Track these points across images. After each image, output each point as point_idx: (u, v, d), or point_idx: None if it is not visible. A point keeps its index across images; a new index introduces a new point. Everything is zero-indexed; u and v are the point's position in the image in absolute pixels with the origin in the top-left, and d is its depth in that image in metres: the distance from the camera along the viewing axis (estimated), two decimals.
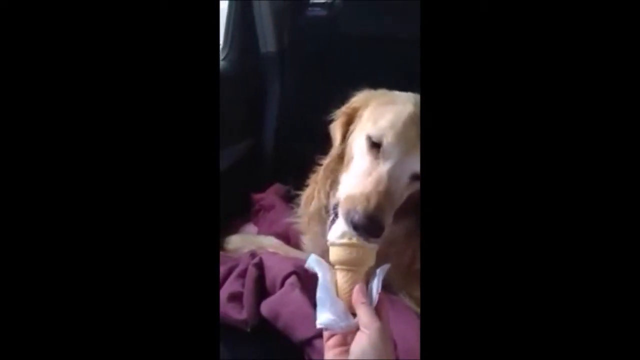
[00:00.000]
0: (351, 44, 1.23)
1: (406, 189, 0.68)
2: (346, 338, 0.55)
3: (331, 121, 0.82)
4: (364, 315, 0.54)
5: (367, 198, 0.62)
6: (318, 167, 0.89)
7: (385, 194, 0.63)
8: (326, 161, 0.83)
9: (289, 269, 0.79)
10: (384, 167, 0.65)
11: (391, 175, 0.65)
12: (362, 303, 0.55)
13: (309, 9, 1.38)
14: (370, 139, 0.67)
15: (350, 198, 0.64)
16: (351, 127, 0.77)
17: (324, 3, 1.36)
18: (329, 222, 0.69)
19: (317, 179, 0.87)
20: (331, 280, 0.59)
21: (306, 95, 1.28)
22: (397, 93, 0.75)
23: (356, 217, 0.60)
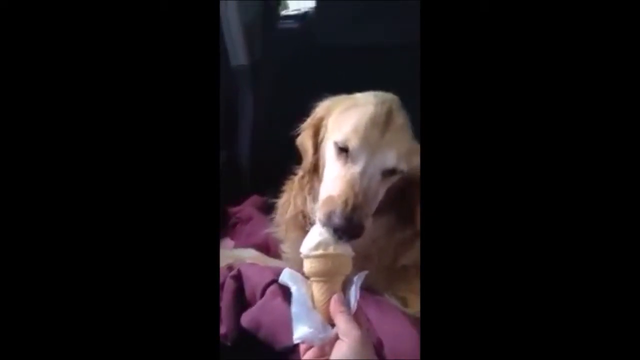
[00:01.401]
0: (324, 55, 1.25)
1: (381, 186, 0.70)
2: (324, 349, 0.54)
3: (297, 135, 0.82)
4: (343, 324, 0.53)
5: (344, 200, 0.63)
6: (293, 176, 0.89)
7: (361, 194, 0.65)
8: (300, 173, 0.83)
9: (270, 277, 0.76)
10: (355, 169, 0.67)
11: (363, 176, 0.66)
12: (340, 312, 0.55)
13: (281, 21, 1.39)
14: (337, 145, 0.69)
15: (327, 202, 0.65)
16: (320, 137, 0.78)
17: (296, 15, 1.38)
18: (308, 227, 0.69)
19: (292, 186, 0.87)
20: (307, 292, 0.58)
21: (280, 106, 1.28)
22: (357, 95, 0.77)
23: (335, 220, 0.61)
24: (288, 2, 1.55)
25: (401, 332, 0.66)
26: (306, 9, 1.38)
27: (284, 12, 1.46)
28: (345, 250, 0.59)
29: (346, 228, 0.60)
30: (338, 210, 0.62)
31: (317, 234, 0.60)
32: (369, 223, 0.66)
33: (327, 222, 0.62)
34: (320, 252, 0.58)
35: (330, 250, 0.58)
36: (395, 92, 0.76)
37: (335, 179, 0.68)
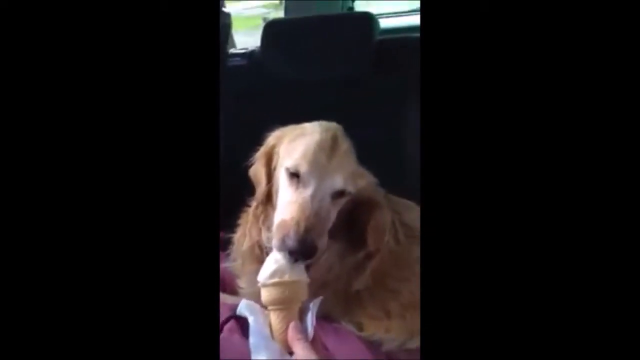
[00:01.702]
0: (272, 89, 1.29)
1: (332, 207, 0.73)
2: None
3: (251, 165, 0.85)
4: (301, 351, 0.54)
5: (296, 223, 0.66)
6: (247, 208, 0.89)
7: (312, 216, 0.68)
8: (254, 204, 0.85)
9: (226, 314, 0.76)
10: (306, 193, 0.70)
11: (314, 199, 0.70)
12: (298, 339, 0.55)
13: (229, 59, 1.42)
14: (289, 171, 0.73)
15: (281, 226, 0.68)
16: (273, 165, 0.81)
17: (243, 53, 1.41)
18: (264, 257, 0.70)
19: (247, 218, 0.88)
20: (264, 322, 0.59)
21: (231, 140, 1.29)
22: (305, 125, 0.82)
23: (289, 243, 0.63)
24: (235, 40, 1.60)
25: (359, 357, 0.67)
26: (253, 48, 1.42)
27: (232, 50, 1.49)
28: (301, 276, 0.60)
29: (300, 249, 0.63)
30: (291, 232, 0.65)
31: (273, 262, 0.61)
32: (322, 244, 0.69)
33: (282, 246, 0.64)
34: (276, 279, 0.59)
35: (286, 277, 0.59)
36: (338, 122, 0.82)
37: (288, 204, 0.71)
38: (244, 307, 0.61)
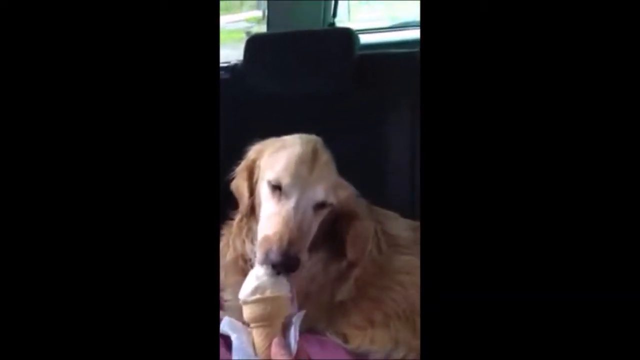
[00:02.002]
0: (254, 103, 1.30)
1: (314, 219, 0.75)
2: None
3: (232, 180, 0.86)
4: None
5: (280, 236, 0.67)
6: (231, 220, 0.90)
7: (295, 228, 0.69)
8: (237, 217, 0.85)
9: None
10: (289, 205, 0.71)
11: (297, 211, 0.71)
12: (282, 356, 0.55)
13: None
14: (271, 184, 0.74)
15: (264, 242, 0.68)
16: (254, 179, 0.82)
17: (227, 66, 1.42)
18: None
19: (231, 230, 0.89)
20: (247, 340, 0.59)
21: None
22: (285, 138, 0.84)
23: (272, 256, 0.65)
24: (220, 54, 1.60)
25: None
26: (235, 61, 1.44)
27: None
28: (282, 291, 0.61)
29: (283, 263, 0.64)
30: (274, 247, 0.66)
31: (254, 279, 0.61)
32: (304, 256, 0.70)
33: (265, 260, 0.65)
34: (257, 296, 0.59)
35: (267, 293, 0.59)
36: (319, 135, 0.84)
37: (270, 217, 0.72)
38: (226, 325, 0.61)
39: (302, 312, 0.61)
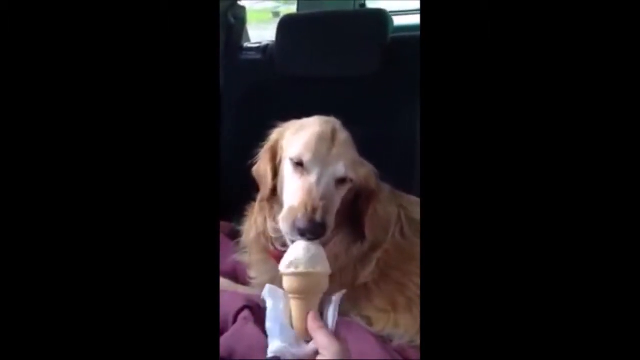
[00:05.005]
0: (285, 85, 1.30)
1: (336, 193, 0.78)
2: None
3: (254, 164, 0.88)
4: (322, 338, 0.54)
5: (305, 205, 0.70)
6: (253, 202, 0.93)
7: (320, 198, 0.72)
8: (260, 197, 0.88)
9: (241, 303, 0.78)
10: (311, 179, 0.74)
11: (319, 184, 0.74)
12: (319, 327, 0.56)
13: (244, 52, 1.44)
14: (293, 161, 0.77)
15: (290, 210, 0.72)
16: (278, 159, 0.84)
17: (258, 47, 1.43)
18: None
19: (253, 210, 0.92)
20: (284, 308, 0.59)
21: (242, 134, 1.31)
22: (304, 120, 0.86)
23: (299, 224, 0.68)
24: (250, 34, 1.61)
25: (370, 353, 0.69)
26: (267, 42, 1.44)
27: (246, 44, 1.51)
28: (318, 268, 0.60)
29: (309, 228, 0.67)
30: (300, 214, 0.68)
31: (293, 252, 0.62)
32: (330, 222, 0.71)
33: (292, 229, 0.68)
34: (292, 270, 0.60)
35: (301, 268, 0.59)
36: (347, 119, 0.85)
37: (294, 191, 0.75)
38: (267, 291, 0.62)
39: (343, 292, 0.61)
